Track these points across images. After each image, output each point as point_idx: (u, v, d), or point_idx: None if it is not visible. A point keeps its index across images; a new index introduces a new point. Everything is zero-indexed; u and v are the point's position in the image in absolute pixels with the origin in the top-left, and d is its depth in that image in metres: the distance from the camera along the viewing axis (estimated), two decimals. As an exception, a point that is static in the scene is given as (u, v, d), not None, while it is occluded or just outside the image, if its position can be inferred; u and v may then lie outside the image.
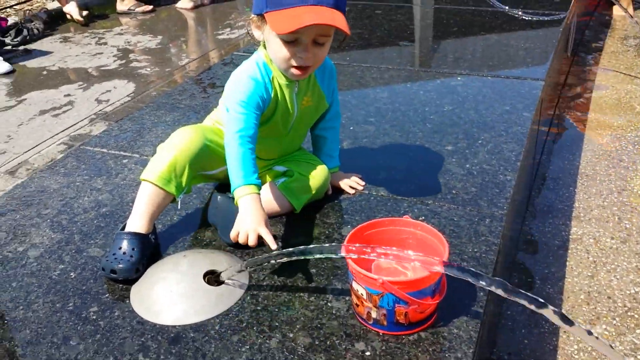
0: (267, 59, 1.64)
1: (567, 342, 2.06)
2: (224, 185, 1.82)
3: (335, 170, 1.88)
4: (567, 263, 2.41)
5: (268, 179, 1.79)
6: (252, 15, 1.58)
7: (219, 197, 1.67)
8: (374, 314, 1.33)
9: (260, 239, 1.48)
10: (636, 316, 2.10)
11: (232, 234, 1.51)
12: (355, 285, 1.34)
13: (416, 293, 1.28)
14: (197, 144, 1.62)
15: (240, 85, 1.60)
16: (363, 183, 1.89)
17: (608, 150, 3.16)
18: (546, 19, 3.57)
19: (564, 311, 2.19)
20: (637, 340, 2.00)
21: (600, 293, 2.24)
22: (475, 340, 1.33)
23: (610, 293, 2.24)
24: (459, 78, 2.73)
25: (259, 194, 1.54)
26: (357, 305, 1.37)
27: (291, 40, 1.51)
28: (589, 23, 5.08)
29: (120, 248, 1.53)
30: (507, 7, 3.56)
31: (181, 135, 1.63)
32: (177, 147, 1.60)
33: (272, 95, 1.64)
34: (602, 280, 2.30)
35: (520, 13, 3.63)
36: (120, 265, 1.50)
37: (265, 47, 1.63)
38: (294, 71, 1.57)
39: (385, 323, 1.33)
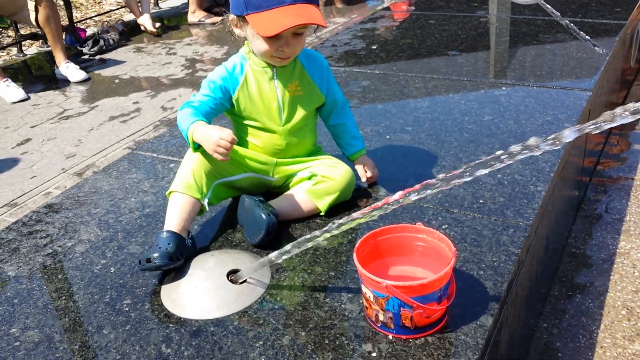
0: (248, 48, 1.78)
1: (602, 358, 2.03)
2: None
3: (364, 153, 1.98)
4: (611, 277, 2.36)
5: (293, 184, 1.88)
6: (232, 16, 1.71)
7: (246, 199, 1.77)
8: (381, 317, 1.38)
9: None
10: (676, 334, 2.04)
11: (212, 152, 1.64)
12: (363, 288, 1.39)
13: (420, 298, 1.32)
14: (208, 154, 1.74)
15: (214, 71, 1.79)
16: (370, 175, 1.97)
17: (667, 162, 3.06)
18: (603, 28, 3.48)
19: (602, 327, 2.15)
20: (675, 359, 1.95)
21: (643, 309, 2.19)
22: (482, 347, 1.36)
23: (653, 309, 2.18)
24: (503, 88, 2.73)
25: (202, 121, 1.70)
26: (367, 308, 1.42)
27: (272, 37, 1.65)
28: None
29: (157, 244, 1.62)
30: (559, 15, 3.48)
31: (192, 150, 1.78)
32: (190, 160, 1.74)
33: (242, 78, 1.77)
34: (646, 296, 2.25)
35: (572, 24, 3.54)
36: (155, 254, 1.58)
37: (248, 44, 1.78)
38: (277, 60, 1.73)
39: (392, 326, 1.38)
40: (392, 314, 1.36)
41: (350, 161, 1.97)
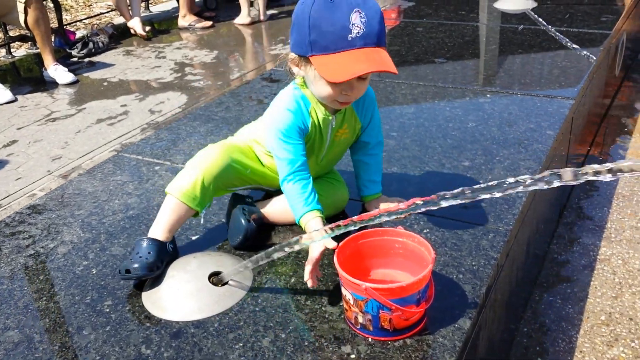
0: (306, 90, 1.66)
1: (581, 362, 2.05)
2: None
3: (379, 196, 1.87)
4: (592, 283, 2.39)
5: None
6: (292, 54, 1.58)
7: (233, 201, 1.78)
8: (360, 319, 1.39)
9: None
10: (655, 339, 2.07)
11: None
12: (343, 290, 1.41)
13: (399, 300, 1.33)
14: (222, 164, 1.68)
15: (279, 118, 1.64)
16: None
17: (649, 171, 3.09)
18: (588, 37, 3.53)
19: (581, 332, 2.18)
20: (653, 364, 1.97)
21: (622, 315, 2.21)
22: (460, 349, 1.37)
23: (632, 315, 2.20)
24: (488, 95, 2.76)
25: (321, 216, 1.60)
26: (347, 310, 1.43)
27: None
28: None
29: (137, 253, 1.61)
30: (548, 25, 3.53)
31: (207, 154, 1.69)
32: (202, 166, 1.66)
33: (310, 127, 1.67)
34: (625, 302, 2.27)
35: (558, 32, 3.58)
36: (135, 265, 1.57)
37: (304, 82, 1.65)
38: (338, 104, 1.62)
39: (371, 328, 1.39)
40: (371, 316, 1.37)
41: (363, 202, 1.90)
